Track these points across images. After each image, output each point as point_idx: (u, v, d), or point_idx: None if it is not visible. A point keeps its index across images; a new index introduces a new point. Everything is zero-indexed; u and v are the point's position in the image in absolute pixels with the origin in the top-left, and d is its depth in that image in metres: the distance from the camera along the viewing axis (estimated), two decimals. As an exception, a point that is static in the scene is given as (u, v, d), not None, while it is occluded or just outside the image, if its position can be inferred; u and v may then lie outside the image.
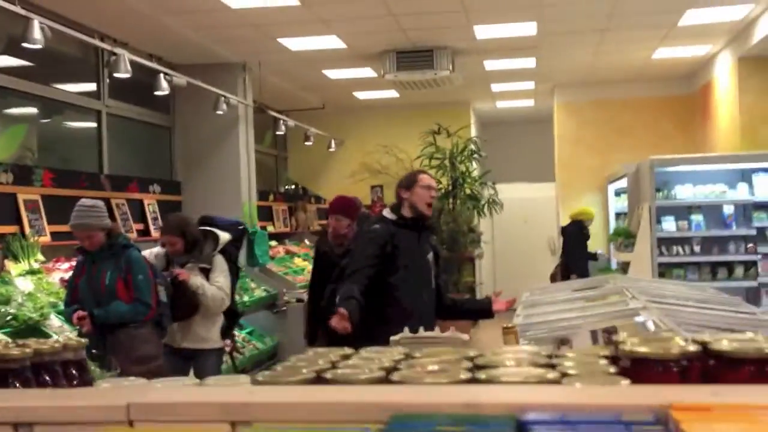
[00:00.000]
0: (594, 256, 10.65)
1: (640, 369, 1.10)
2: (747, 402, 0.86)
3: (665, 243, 8.48)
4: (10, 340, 1.55)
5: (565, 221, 11.14)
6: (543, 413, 0.86)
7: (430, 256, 4.44)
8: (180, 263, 5.25)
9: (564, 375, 1.09)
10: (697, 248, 8.53)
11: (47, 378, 1.36)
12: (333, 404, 0.95)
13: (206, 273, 5.30)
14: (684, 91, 11.46)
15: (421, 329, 2.94)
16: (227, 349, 5.96)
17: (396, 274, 4.23)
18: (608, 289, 4.79)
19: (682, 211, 8.65)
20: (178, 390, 1.16)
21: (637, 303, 3.82)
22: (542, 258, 12.79)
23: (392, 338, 2.75)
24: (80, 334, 4.38)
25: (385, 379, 1.09)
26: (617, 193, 11.03)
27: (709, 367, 1.09)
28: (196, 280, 5.18)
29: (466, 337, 2.78)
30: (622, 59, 10.12)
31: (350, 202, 5.51)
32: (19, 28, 5.93)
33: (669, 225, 8.56)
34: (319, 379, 1.11)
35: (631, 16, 7.98)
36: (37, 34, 5.21)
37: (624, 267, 9.14)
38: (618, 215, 11.00)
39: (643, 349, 1.11)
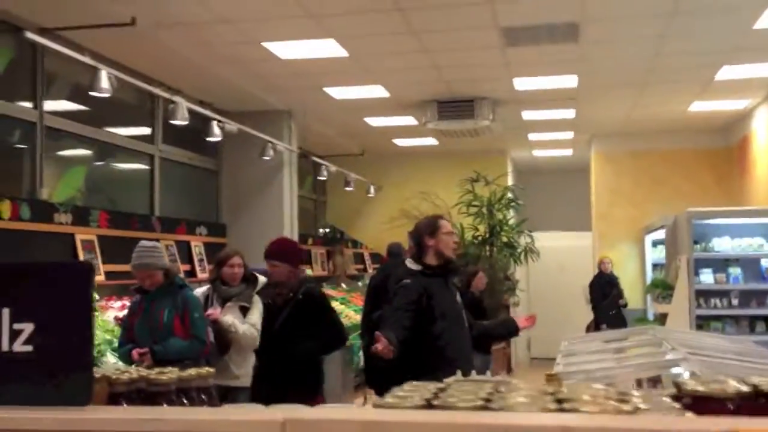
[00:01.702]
0: (623, 305, 10.72)
1: (700, 406, 1.25)
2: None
3: (703, 295, 8.51)
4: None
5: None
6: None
7: (459, 297, 4.46)
8: (230, 295, 5.37)
9: (637, 408, 1.24)
10: (735, 301, 8.55)
11: (185, 401, 1.54)
12: (451, 424, 1.12)
13: (244, 311, 5.43)
14: (722, 144, 11.54)
15: (473, 373, 3.06)
16: None
17: (435, 324, 4.21)
18: (646, 339, 4.87)
19: (720, 264, 8.69)
20: (324, 409, 1.33)
21: (677, 354, 3.90)
22: (578, 307, 12.81)
23: (446, 380, 2.87)
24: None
25: (485, 407, 1.25)
26: (654, 244, 11.09)
27: (759, 405, 1.24)
28: (228, 318, 5.27)
29: (515, 382, 2.90)
30: (659, 112, 10.27)
31: (288, 246, 5.29)
32: (80, 75, 6.28)
33: (707, 277, 8.60)
34: (429, 405, 1.28)
35: (669, 71, 8.15)
36: (105, 84, 5.51)
37: (661, 318, 9.17)
38: (655, 266, 11.04)
39: (703, 389, 1.26)
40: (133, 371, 1.61)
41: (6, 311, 1.37)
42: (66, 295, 1.35)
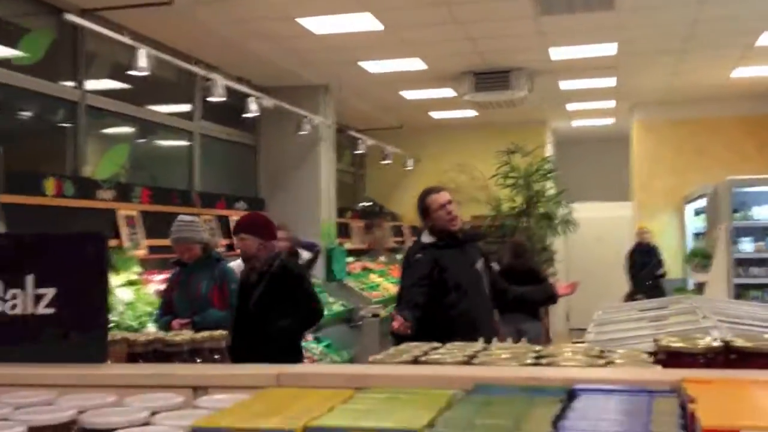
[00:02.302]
0: (660, 276, 10.65)
1: (673, 360, 1.32)
2: (743, 378, 1.07)
3: (743, 264, 8.45)
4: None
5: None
6: (588, 385, 1.10)
7: (480, 264, 4.37)
8: None
9: (609, 362, 1.32)
10: (775, 269, 8.47)
11: (199, 360, 1.67)
12: (430, 376, 1.22)
13: None
14: (764, 111, 11.34)
15: (495, 340, 3.13)
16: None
17: (450, 295, 4.20)
18: (681, 308, 4.88)
19: (760, 232, 8.60)
20: (313, 365, 1.44)
21: (707, 322, 3.93)
22: (616, 277, 12.74)
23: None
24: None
25: (468, 362, 1.34)
26: (696, 213, 10.99)
27: (730, 360, 1.30)
28: None
29: (538, 348, 2.97)
30: (700, 78, 10.12)
31: (257, 219, 5.13)
32: (119, 54, 6.44)
33: (746, 246, 8.53)
34: (416, 362, 1.37)
35: (709, 37, 8.03)
36: (143, 63, 5.65)
37: (700, 287, 9.12)
38: (696, 235, 10.95)
39: (675, 344, 1.33)
40: (150, 333, 1.73)
41: (30, 277, 1.49)
42: (83, 263, 1.47)
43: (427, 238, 4.36)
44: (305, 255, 5.78)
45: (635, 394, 1.04)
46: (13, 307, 1.50)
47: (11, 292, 1.50)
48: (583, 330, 4.48)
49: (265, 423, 0.95)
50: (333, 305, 8.61)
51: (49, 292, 1.48)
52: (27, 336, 1.49)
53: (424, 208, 4.32)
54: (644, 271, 10.48)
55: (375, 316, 8.70)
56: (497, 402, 1.03)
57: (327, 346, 8.35)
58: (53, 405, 1.20)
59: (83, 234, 1.54)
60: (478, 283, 4.32)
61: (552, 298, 4.78)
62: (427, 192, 4.40)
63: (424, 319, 4.08)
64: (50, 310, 1.48)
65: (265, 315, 4.72)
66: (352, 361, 8.47)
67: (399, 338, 4.10)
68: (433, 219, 4.28)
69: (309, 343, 8.01)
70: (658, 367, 1.29)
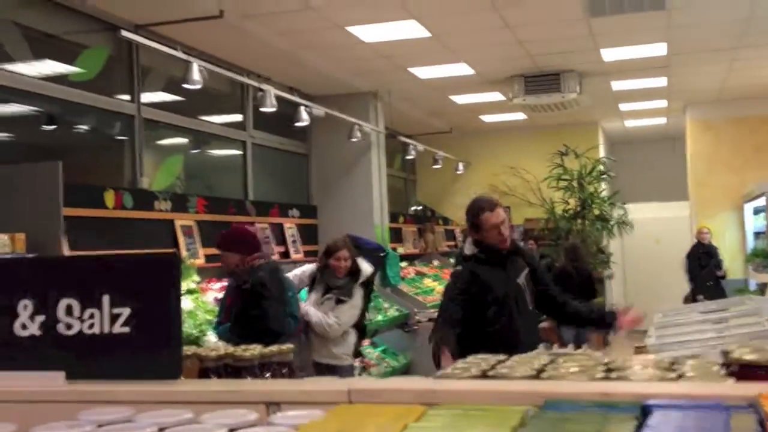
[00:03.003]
0: (722, 277, 10.43)
1: (746, 373, 1.30)
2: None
3: (806, 263, 8.24)
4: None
5: (701, 241, 11.01)
6: (662, 400, 1.09)
7: (523, 278, 4.23)
8: (335, 285, 5.55)
9: (681, 376, 1.30)
10: (840, 268, 8.24)
11: (268, 375, 1.71)
12: (499, 392, 1.22)
13: (339, 302, 5.55)
14: (823, 106, 11.06)
15: (556, 348, 3.11)
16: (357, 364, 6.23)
17: (489, 309, 4.09)
18: (744, 310, 4.78)
19: (823, 231, 8.38)
20: (383, 381, 1.46)
21: (771, 324, 3.85)
22: (675, 279, 12.53)
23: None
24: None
25: (536, 377, 1.34)
26: (756, 212, 10.74)
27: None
28: (303, 306, 5.48)
29: (599, 354, 2.94)
30: (756, 75, 9.91)
31: (237, 234, 5.13)
32: (173, 67, 6.56)
33: (809, 245, 8.31)
34: (484, 376, 1.38)
35: (763, 34, 7.86)
36: (197, 76, 5.76)
37: (762, 288, 8.91)
38: (757, 234, 10.71)
39: (747, 357, 1.31)
40: (222, 349, 1.77)
41: (106, 297, 1.54)
42: (157, 283, 1.51)
43: (469, 249, 4.24)
44: (367, 270, 5.73)
45: (710, 410, 1.03)
46: (91, 326, 1.55)
47: (88, 311, 1.55)
48: (642, 333, 4.39)
49: (343, 442, 0.97)
50: (388, 310, 8.63)
51: (125, 312, 1.53)
52: (103, 354, 1.53)
53: (475, 224, 4.18)
54: (704, 271, 10.28)
55: (430, 320, 8.68)
56: (571, 419, 1.03)
57: (383, 351, 8.38)
58: (133, 422, 1.23)
59: (156, 255, 1.58)
60: (519, 298, 4.18)
61: (611, 326, 4.50)
62: (480, 208, 4.19)
63: (464, 334, 4.01)
64: (125, 329, 1.53)
65: (241, 332, 4.70)
66: (409, 365, 8.49)
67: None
68: (484, 237, 4.15)
69: (365, 347, 8.05)
70: (731, 381, 1.28)
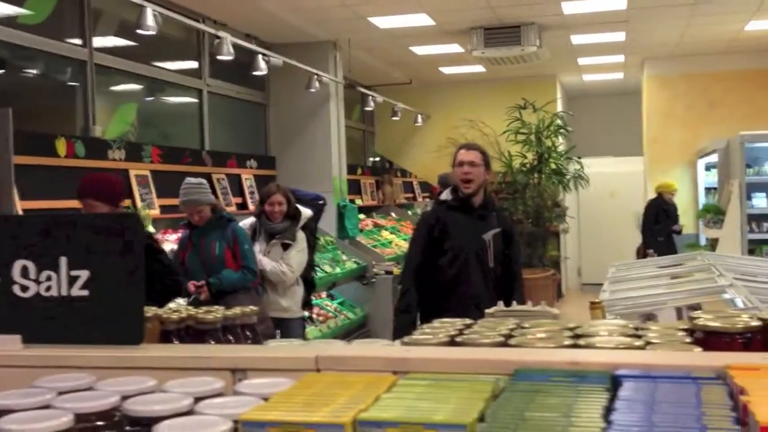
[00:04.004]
0: (677, 232, 10.61)
1: (711, 340, 1.31)
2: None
3: (755, 219, 8.43)
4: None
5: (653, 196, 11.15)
6: (631, 370, 1.09)
7: (490, 235, 4.22)
8: (275, 231, 5.53)
9: (648, 343, 1.31)
10: (788, 225, 8.45)
11: (231, 338, 1.67)
12: (470, 360, 1.21)
13: (286, 248, 5.56)
14: (779, 64, 11.20)
15: (514, 303, 3.13)
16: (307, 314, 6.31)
17: (444, 256, 4.13)
18: (695, 266, 4.86)
19: (774, 188, 8.56)
20: (350, 346, 1.44)
21: (723, 281, 3.92)
22: (629, 233, 12.75)
23: (487, 311, 2.95)
24: (197, 302, 4.76)
25: (504, 343, 1.34)
26: (708, 168, 10.92)
27: (769, 339, 1.30)
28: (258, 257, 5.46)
29: (556, 311, 2.96)
30: (713, 32, 9.98)
31: (104, 183, 4.32)
32: (126, 12, 6.36)
33: (759, 201, 8.50)
34: (452, 342, 1.37)
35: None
36: (150, 21, 5.59)
37: (713, 243, 9.11)
38: (708, 190, 10.90)
39: (713, 324, 1.32)
40: (183, 311, 1.73)
41: (64, 259, 1.49)
42: (117, 244, 1.46)
43: (445, 195, 4.30)
44: (306, 213, 5.78)
45: (680, 381, 1.04)
46: (48, 289, 1.49)
47: (45, 273, 1.50)
48: (596, 285, 4.45)
49: (314, 416, 0.95)
50: (346, 263, 8.64)
51: (83, 274, 1.48)
52: (61, 318, 1.49)
53: (453, 158, 4.25)
54: (657, 226, 10.44)
55: (388, 273, 8.73)
56: (542, 391, 1.03)
57: (341, 303, 8.41)
58: (95, 390, 1.20)
59: (117, 214, 1.53)
60: (481, 253, 4.18)
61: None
62: (460, 146, 4.34)
63: (421, 279, 4.11)
64: (84, 292, 1.48)
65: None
66: (366, 317, 8.54)
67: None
68: (454, 173, 4.22)
69: (323, 300, 8.07)
70: (699, 350, 1.29)
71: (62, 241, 1.49)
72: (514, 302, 2.97)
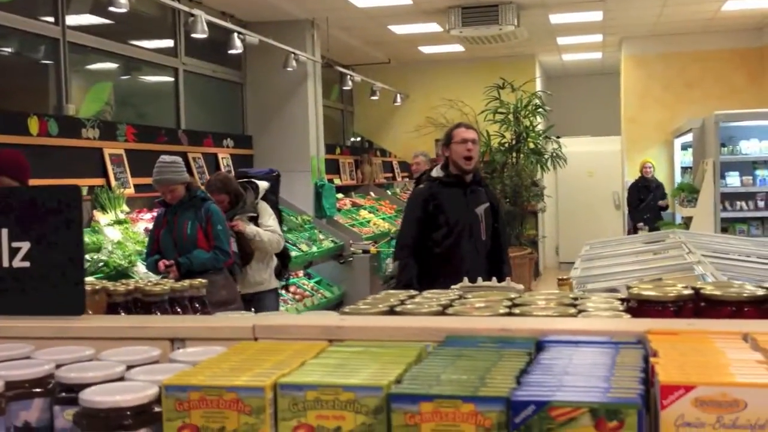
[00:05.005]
0: (663, 208, 10.76)
1: (644, 309, 1.34)
2: (708, 329, 1.10)
3: (729, 198, 8.50)
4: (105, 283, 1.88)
5: (632, 175, 11.26)
6: (556, 336, 1.12)
7: (481, 209, 4.42)
8: (228, 218, 5.56)
9: (581, 311, 1.34)
10: (761, 203, 8.53)
11: (179, 310, 1.68)
12: (403, 328, 1.24)
13: (254, 221, 5.64)
14: (755, 44, 11.25)
15: (479, 279, 3.16)
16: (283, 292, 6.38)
17: (438, 231, 4.31)
18: (667, 244, 4.92)
19: (747, 167, 8.64)
20: (289, 316, 1.46)
21: (692, 257, 3.97)
22: (606, 212, 12.85)
23: (453, 287, 2.98)
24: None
25: (442, 312, 1.37)
26: (684, 147, 11.00)
27: (700, 308, 1.32)
28: (252, 228, 5.55)
29: (520, 287, 2.99)
30: (690, 11, 10.01)
31: (17, 159, 4.24)
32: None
33: (733, 180, 8.57)
34: (391, 312, 1.40)
35: (700, -31, 7.92)
36: (122, -3, 5.54)
37: (687, 222, 9.19)
38: (685, 170, 10.99)
39: (646, 293, 1.35)
40: (131, 283, 1.74)
41: (4, 231, 1.49)
42: (58, 216, 1.47)
43: (436, 172, 4.46)
44: (263, 184, 5.84)
45: (602, 346, 1.06)
46: (-11, 261, 1.50)
47: (-14, 245, 1.50)
48: (573, 264, 4.50)
49: (235, 380, 0.97)
50: (323, 242, 8.66)
51: (24, 246, 1.48)
52: (3, 290, 1.49)
53: (448, 138, 4.39)
54: (642, 204, 10.59)
55: (365, 252, 8.75)
56: (466, 355, 1.05)
57: (318, 282, 8.42)
58: (31, 359, 1.21)
59: (57, 186, 1.53)
60: (474, 227, 4.37)
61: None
62: (459, 124, 4.52)
63: (418, 254, 4.25)
64: (25, 264, 1.49)
65: None
66: (343, 296, 8.57)
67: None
68: (452, 150, 4.35)
69: (300, 279, 8.09)
70: (627, 317, 1.31)
71: (2, 214, 1.49)
72: (507, 278, 3.02)
